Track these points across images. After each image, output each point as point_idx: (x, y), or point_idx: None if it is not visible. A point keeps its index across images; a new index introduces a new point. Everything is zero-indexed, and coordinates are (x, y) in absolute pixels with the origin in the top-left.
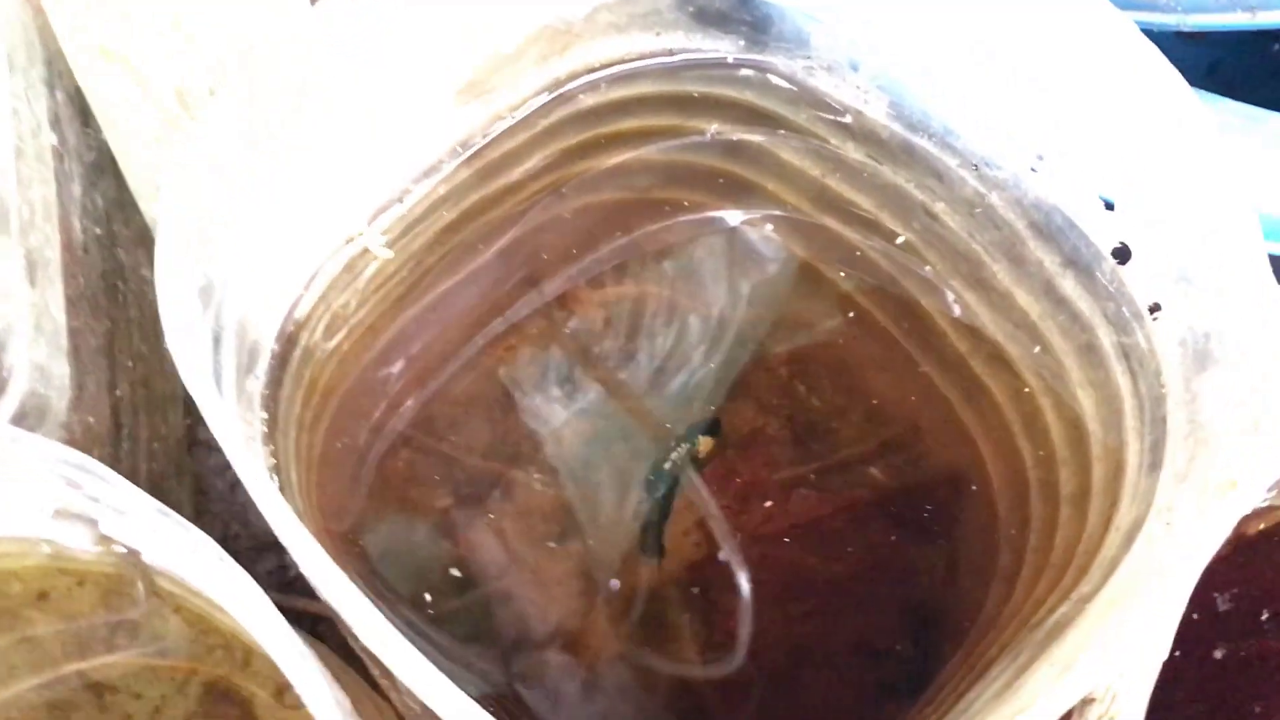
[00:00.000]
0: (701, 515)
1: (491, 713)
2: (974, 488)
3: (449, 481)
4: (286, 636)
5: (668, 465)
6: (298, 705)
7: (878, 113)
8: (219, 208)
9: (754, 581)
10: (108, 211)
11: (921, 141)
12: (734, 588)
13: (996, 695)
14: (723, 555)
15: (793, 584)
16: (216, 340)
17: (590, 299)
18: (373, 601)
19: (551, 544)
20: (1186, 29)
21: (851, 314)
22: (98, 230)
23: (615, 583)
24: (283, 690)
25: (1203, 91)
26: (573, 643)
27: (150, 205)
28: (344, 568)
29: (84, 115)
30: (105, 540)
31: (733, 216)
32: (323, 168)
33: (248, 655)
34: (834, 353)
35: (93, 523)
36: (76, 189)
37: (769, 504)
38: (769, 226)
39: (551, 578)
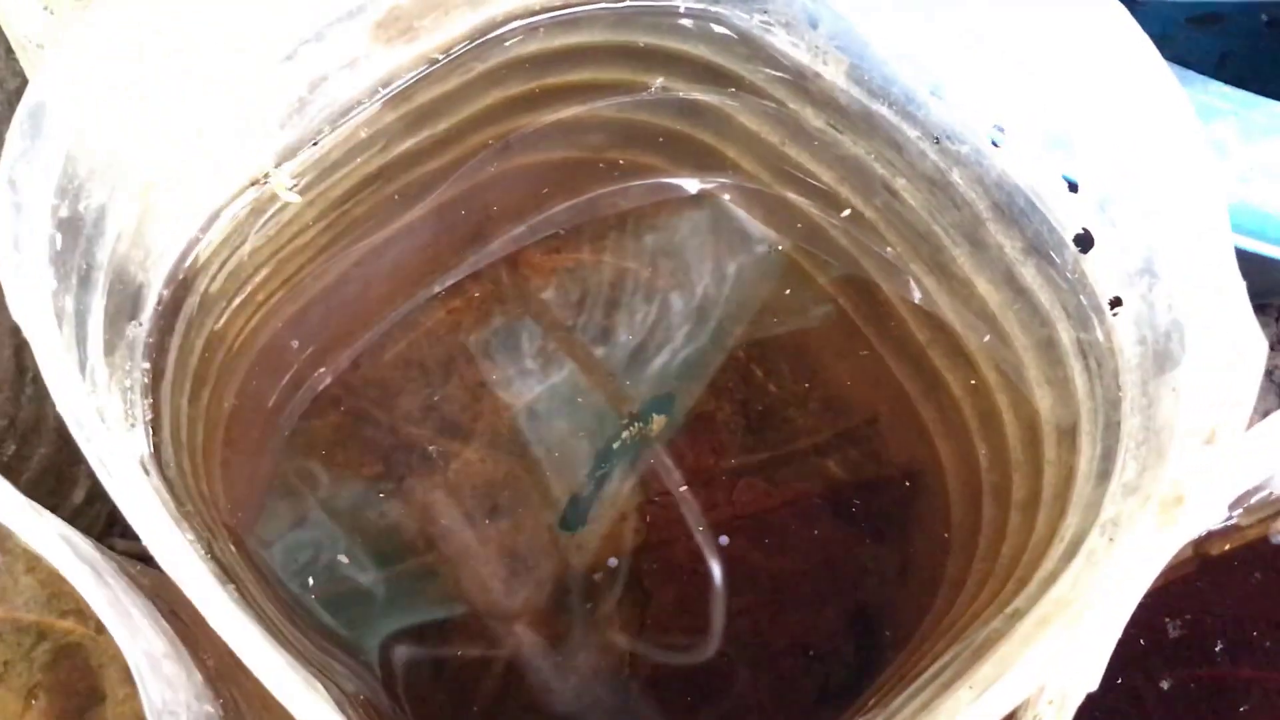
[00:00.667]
0: (641, 502)
1: (361, 711)
2: (930, 487)
3: (380, 447)
4: (102, 598)
5: (616, 445)
6: None
7: (837, 76)
8: (92, 131)
9: (692, 574)
10: None
11: (881, 109)
12: (671, 578)
13: (915, 714)
14: (702, 540)
15: (733, 579)
16: (85, 279)
17: (542, 264)
18: (254, 582)
19: (485, 520)
20: None
21: (814, 296)
22: None
23: (614, 560)
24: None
25: (1190, 72)
26: (497, 627)
27: None
28: (233, 543)
29: (8, 40)
30: None
31: (691, 184)
32: (221, 98)
33: (98, 626)
34: (795, 337)
35: None
36: None
37: (713, 492)
38: (728, 196)
39: (481, 555)
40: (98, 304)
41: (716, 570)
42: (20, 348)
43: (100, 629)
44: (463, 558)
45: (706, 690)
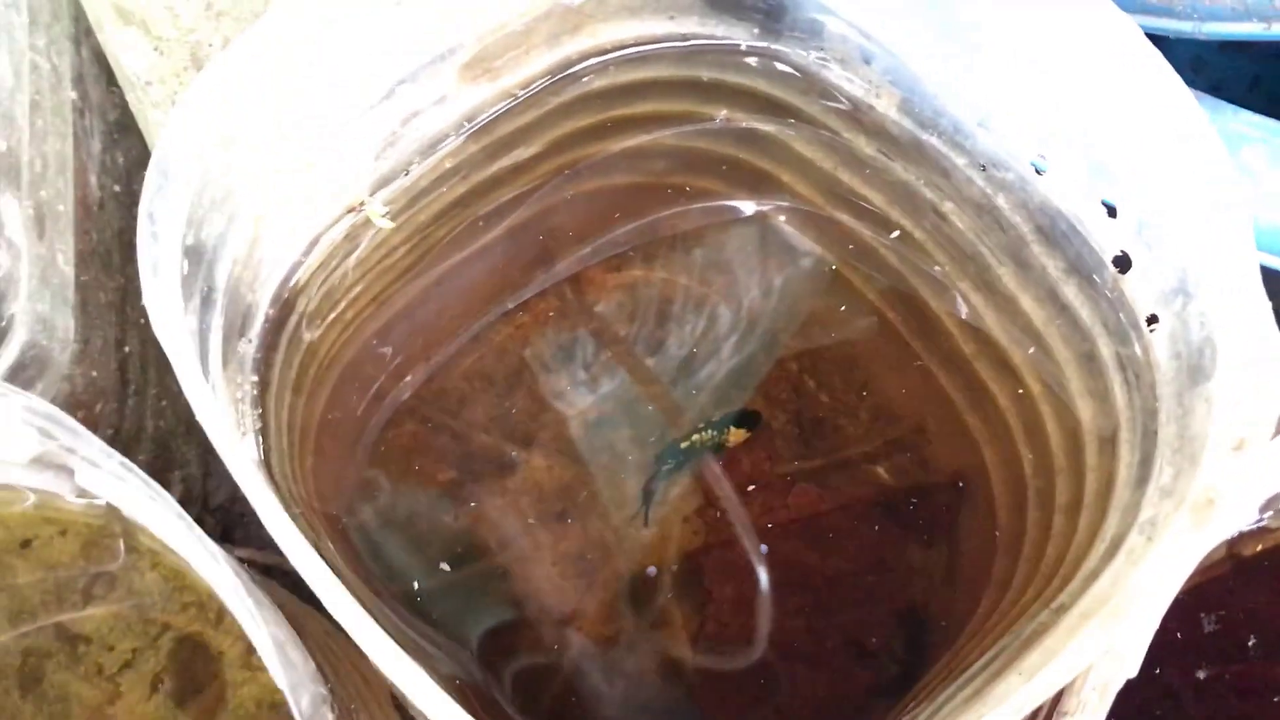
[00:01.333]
0: (701, 505)
1: (458, 694)
2: (976, 492)
3: (453, 455)
4: (240, 590)
5: (685, 444)
6: (261, 667)
7: (888, 108)
8: (214, 168)
9: (750, 574)
10: (128, 170)
11: (931, 139)
12: (729, 578)
13: (967, 700)
14: (748, 548)
15: (788, 579)
16: (205, 300)
17: (604, 282)
18: (353, 577)
19: (551, 522)
20: (1202, 37)
21: (864, 312)
22: (116, 188)
23: (653, 569)
24: (252, 649)
25: (1221, 101)
26: (566, 622)
27: None
28: (332, 540)
29: (110, 73)
30: (86, 492)
31: (747, 206)
32: (324, 136)
33: (220, 613)
34: (845, 350)
35: (72, 473)
36: (96, 145)
37: (769, 497)
38: (782, 218)
39: (549, 556)
40: (216, 322)
41: (770, 572)
42: (124, 362)
43: (219, 621)
44: (531, 557)
45: (764, 683)
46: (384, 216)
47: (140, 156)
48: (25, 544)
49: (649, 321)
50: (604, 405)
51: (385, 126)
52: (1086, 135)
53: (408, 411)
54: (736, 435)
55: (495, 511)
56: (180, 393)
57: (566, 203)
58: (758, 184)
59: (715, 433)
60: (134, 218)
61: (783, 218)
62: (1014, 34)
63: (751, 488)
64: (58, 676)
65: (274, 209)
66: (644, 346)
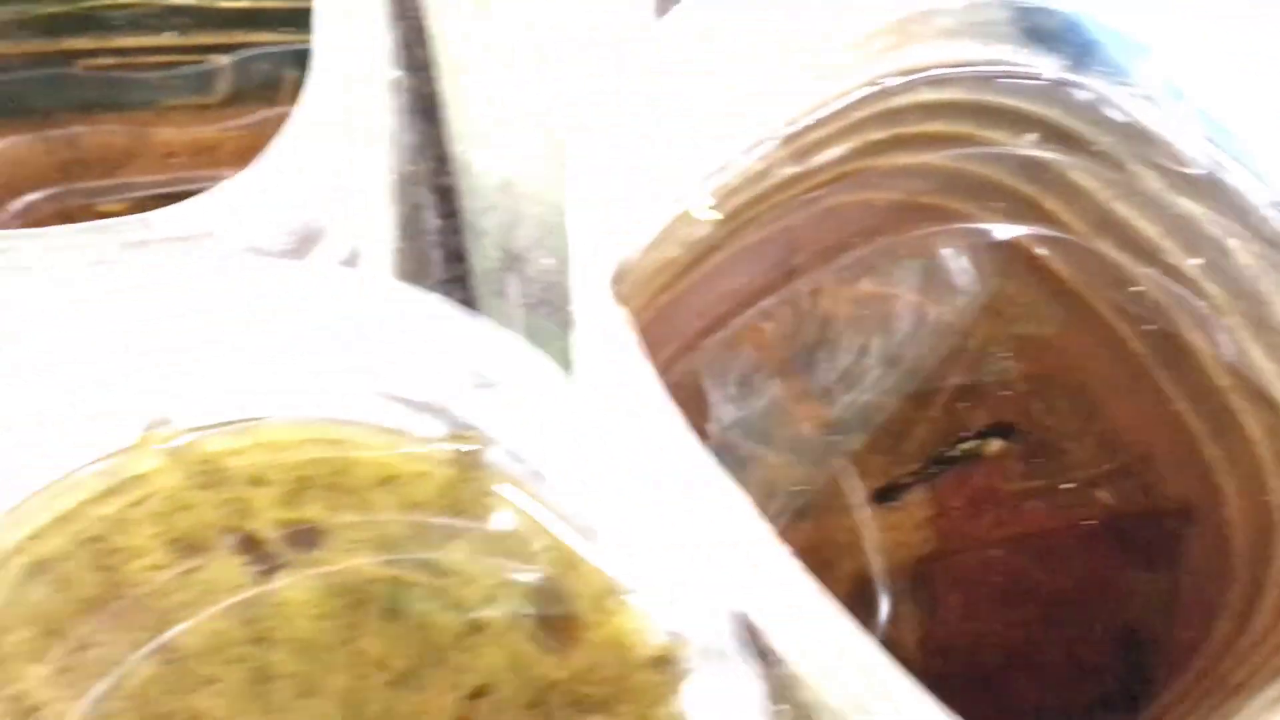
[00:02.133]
0: (934, 513)
1: None
2: (1208, 521)
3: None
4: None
5: (952, 453)
6: (616, 610)
7: (1190, 145)
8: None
9: (977, 584)
10: (413, 151)
11: (1232, 179)
12: (957, 586)
13: (1265, 708)
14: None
15: (1014, 591)
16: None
17: (842, 294)
18: None
19: (785, 519)
20: None
21: (1104, 339)
22: (407, 167)
23: (884, 572)
24: (607, 594)
25: None
26: None
27: (464, 149)
28: None
29: (396, 60)
30: (457, 437)
31: (1000, 230)
32: (672, 130)
33: (573, 559)
34: (1077, 375)
35: (449, 416)
36: (397, 124)
37: (999, 512)
38: (1040, 248)
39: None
40: None
41: (997, 585)
42: None
43: (573, 565)
44: None
45: (986, 690)
46: (709, 209)
47: (418, 142)
48: (385, 481)
49: (883, 335)
50: (838, 411)
51: (726, 121)
52: None
53: None
54: (995, 446)
55: None
56: None
57: (826, 213)
58: (1017, 209)
59: (977, 442)
60: (415, 195)
61: (1040, 248)
62: None
63: (982, 502)
64: (418, 606)
65: (622, 197)
66: (877, 359)
